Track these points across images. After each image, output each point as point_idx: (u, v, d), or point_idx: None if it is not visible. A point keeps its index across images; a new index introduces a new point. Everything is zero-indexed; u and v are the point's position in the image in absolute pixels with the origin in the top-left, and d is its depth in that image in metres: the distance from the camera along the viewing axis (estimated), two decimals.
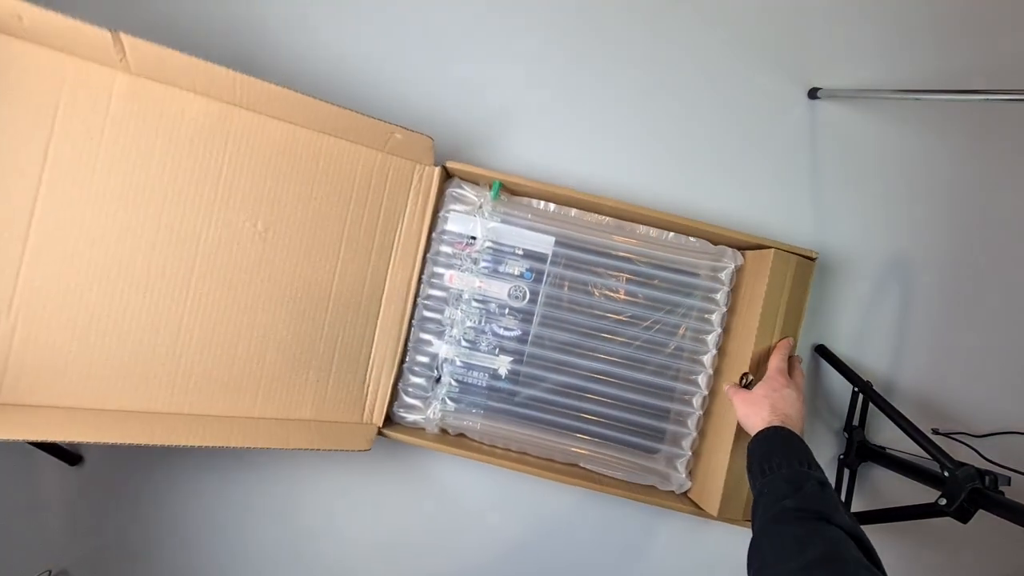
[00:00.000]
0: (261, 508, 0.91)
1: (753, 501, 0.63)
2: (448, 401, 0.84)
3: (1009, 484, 0.82)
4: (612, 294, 0.85)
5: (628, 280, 0.86)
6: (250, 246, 0.75)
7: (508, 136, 0.95)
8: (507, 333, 0.85)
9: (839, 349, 0.96)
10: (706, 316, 0.86)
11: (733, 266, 0.86)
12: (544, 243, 0.85)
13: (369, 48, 0.94)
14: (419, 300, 0.84)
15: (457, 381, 0.84)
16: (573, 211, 0.87)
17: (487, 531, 0.95)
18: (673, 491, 0.86)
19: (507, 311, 0.84)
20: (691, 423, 0.86)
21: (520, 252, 0.85)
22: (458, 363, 0.84)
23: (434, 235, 0.85)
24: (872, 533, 0.94)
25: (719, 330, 0.85)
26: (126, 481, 0.90)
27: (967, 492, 0.70)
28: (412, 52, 0.95)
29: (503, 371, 0.84)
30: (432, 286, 0.85)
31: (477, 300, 0.84)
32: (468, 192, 0.85)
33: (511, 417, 0.85)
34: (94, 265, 0.69)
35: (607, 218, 0.87)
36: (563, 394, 0.85)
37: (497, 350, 0.85)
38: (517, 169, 0.93)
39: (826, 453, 0.97)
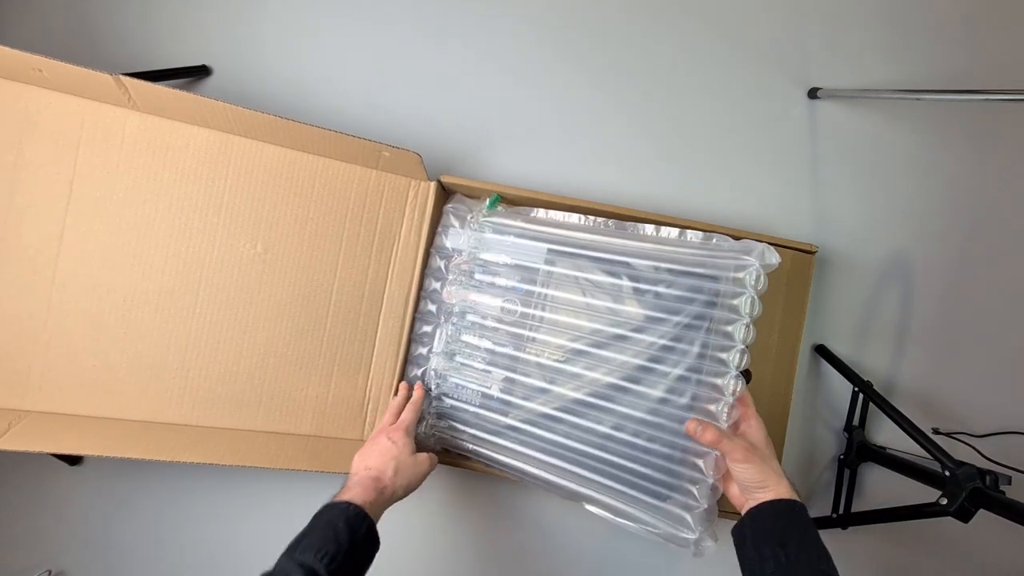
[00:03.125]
0: (260, 508, 0.93)
1: None
2: (439, 417, 0.80)
3: (1010, 483, 0.82)
4: (613, 305, 0.73)
5: (630, 287, 0.72)
6: (250, 267, 0.79)
7: (504, 146, 0.96)
8: (500, 349, 0.78)
9: (839, 349, 0.96)
10: (726, 329, 0.66)
11: (757, 265, 0.66)
12: (536, 252, 0.78)
13: (359, 67, 0.96)
14: (416, 315, 0.84)
15: (448, 397, 0.80)
16: (572, 216, 0.81)
17: (486, 544, 0.96)
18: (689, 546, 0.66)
19: (500, 324, 0.78)
20: (705, 466, 0.64)
21: (509, 263, 0.79)
22: (450, 379, 0.80)
23: (432, 249, 0.85)
24: (872, 533, 0.96)
25: (741, 347, 0.65)
26: (125, 481, 0.92)
27: (968, 492, 0.70)
28: (404, 63, 0.96)
29: (495, 388, 0.77)
30: (429, 299, 0.84)
31: (469, 314, 0.80)
32: (463, 207, 0.84)
33: (504, 437, 0.77)
34: (112, 290, 0.76)
35: (607, 220, 0.79)
36: (562, 411, 0.73)
37: (488, 366, 0.78)
38: (515, 179, 0.95)
39: (826, 453, 0.97)
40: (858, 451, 0.93)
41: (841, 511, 0.93)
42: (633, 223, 0.77)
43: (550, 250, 0.77)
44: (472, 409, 0.78)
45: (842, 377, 0.93)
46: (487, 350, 0.79)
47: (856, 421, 0.95)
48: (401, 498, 0.65)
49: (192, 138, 0.76)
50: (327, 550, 0.52)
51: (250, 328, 0.79)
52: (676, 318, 0.68)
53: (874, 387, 0.91)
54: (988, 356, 0.99)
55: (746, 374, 0.68)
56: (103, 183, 0.75)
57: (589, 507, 0.71)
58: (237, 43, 0.94)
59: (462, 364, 0.80)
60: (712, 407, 0.64)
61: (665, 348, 0.68)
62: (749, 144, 0.99)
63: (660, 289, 0.70)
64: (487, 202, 0.82)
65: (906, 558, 0.98)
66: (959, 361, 0.99)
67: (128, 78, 0.68)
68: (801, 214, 0.99)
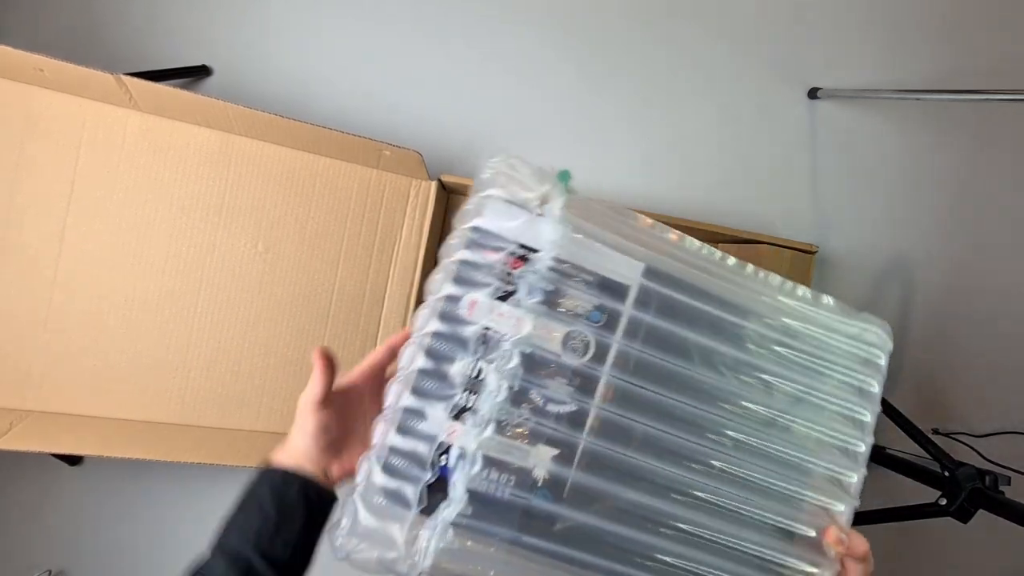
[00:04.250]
0: None
1: None
2: (451, 531, 0.43)
3: (1009, 484, 0.82)
4: (725, 368, 0.50)
5: (756, 351, 0.50)
6: (251, 267, 0.79)
7: (505, 145, 0.96)
8: (552, 408, 0.47)
9: None
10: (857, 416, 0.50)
11: (889, 348, 0.51)
12: (630, 269, 0.50)
13: (360, 67, 0.96)
14: (415, 333, 0.47)
15: (472, 495, 0.44)
16: (672, 233, 0.52)
17: None
18: None
19: (557, 371, 0.47)
20: None
21: (590, 278, 0.49)
22: (478, 460, 0.44)
23: (459, 231, 0.49)
24: (872, 533, 0.95)
25: (871, 440, 0.49)
26: (125, 481, 0.92)
27: (967, 492, 0.71)
28: (405, 63, 0.96)
29: (540, 474, 0.45)
30: (442, 317, 0.46)
31: (525, 354, 0.47)
32: (524, 174, 0.50)
33: (544, 564, 0.46)
34: (113, 290, 0.76)
35: (717, 252, 0.52)
36: (635, 526, 0.47)
37: (531, 437, 0.46)
38: None
39: None
40: None
41: None
42: (759, 270, 0.53)
43: (648, 270, 0.49)
44: (512, 511, 0.44)
45: None
46: (533, 410, 0.46)
47: None
48: (304, 453, 0.47)
49: (193, 138, 0.76)
50: (250, 526, 0.45)
51: (251, 328, 0.79)
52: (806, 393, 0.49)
53: None
54: (988, 356, 0.99)
55: None
56: (104, 183, 0.75)
57: None
58: (237, 43, 0.94)
59: (498, 434, 0.45)
60: (839, 515, 0.47)
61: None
62: (749, 144, 0.99)
63: (791, 354, 0.50)
64: (559, 177, 0.51)
65: (906, 558, 0.98)
66: (959, 361, 0.99)
67: (129, 78, 0.67)
68: (801, 214, 0.99)
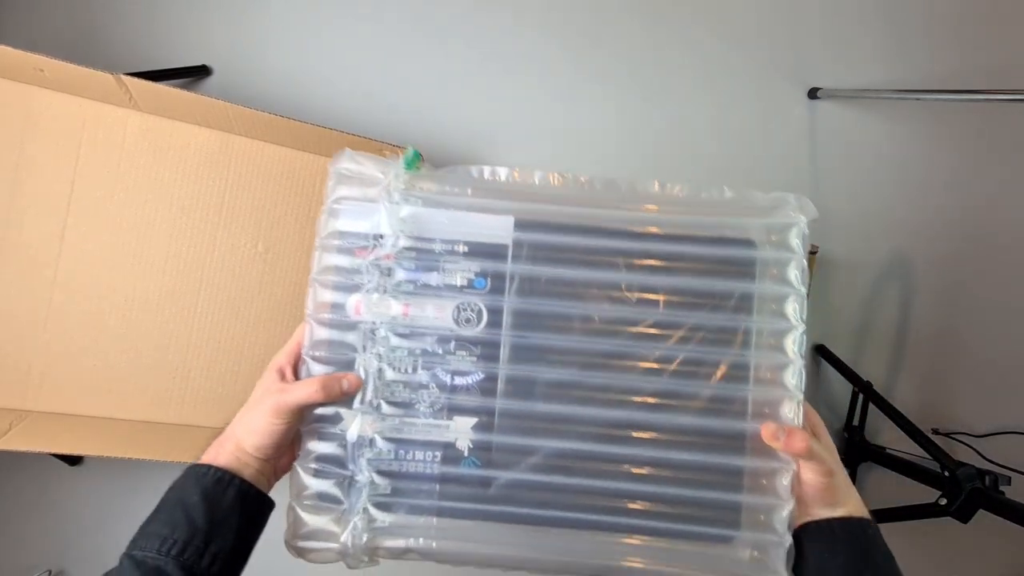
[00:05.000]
0: None
1: None
2: (375, 512, 0.47)
3: (1009, 484, 0.82)
4: (617, 294, 0.49)
5: (638, 267, 0.49)
6: (251, 267, 0.79)
7: (505, 145, 0.96)
8: (461, 381, 0.48)
9: (839, 349, 0.96)
10: (776, 307, 0.49)
11: (805, 221, 0.50)
12: (500, 228, 0.51)
13: (360, 66, 0.96)
14: (305, 353, 0.48)
15: (385, 475, 0.47)
16: (537, 176, 0.52)
17: None
18: None
19: (455, 345, 0.49)
20: (782, 486, 0.46)
21: (463, 248, 0.50)
22: (381, 444, 0.47)
23: (319, 242, 0.49)
24: None
25: (801, 327, 0.48)
26: (125, 481, 0.92)
27: (967, 492, 0.71)
28: (405, 63, 0.96)
29: (463, 444, 0.47)
30: (327, 324, 0.48)
31: (402, 335, 0.49)
32: (368, 167, 0.50)
33: (486, 523, 0.48)
34: (113, 290, 0.76)
35: (592, 181, 0.52)
36: (565, 471, 0.47)
37: (446, 412, 0.48)
38: None
39: None
40: (858, 451, 0.93)
41: None
42: (629, 181, 0.52)
43: (519, 223, 0.50)
44: (430, 484, 0.47)
45: (842, 377, 0.93)
46: (440, 386, 0.47)
47: (856, 421, 0.95)
48: (258, 457, 0.44)
49: (193, 138, 0.76)
50: (176, 537, 0.39)
51: (251, 328, 0.79)
52: (707, 302, 0.49)
53: (874, 387, 0.91)
54: (988, 356, 0.99)
55: None
56: (104, 183, 0.75)
57: None
58: (237, 43, 0.94)
59: (401, 416, 0.47)
60: (781, 409, 0.47)
61: (701, 344, 0.48)
62: (749, 144, 1.00)
63: (681, 265, 0.50)
64: (402, 159, 0.51)
65: (906, 558, 0.98)
66: (959, 361, 0.99)
67: (129, 78, 0.68)
68: None
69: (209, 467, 0.41)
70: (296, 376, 0.47)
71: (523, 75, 0.97)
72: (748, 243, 0.50)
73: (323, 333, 0.48)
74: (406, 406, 0.48)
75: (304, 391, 0.44)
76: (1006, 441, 0.97)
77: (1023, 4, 1.01)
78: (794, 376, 0.48)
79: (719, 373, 0.48)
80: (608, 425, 0.48)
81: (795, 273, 0.49)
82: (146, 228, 0.76)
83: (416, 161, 0.51)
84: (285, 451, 0.46)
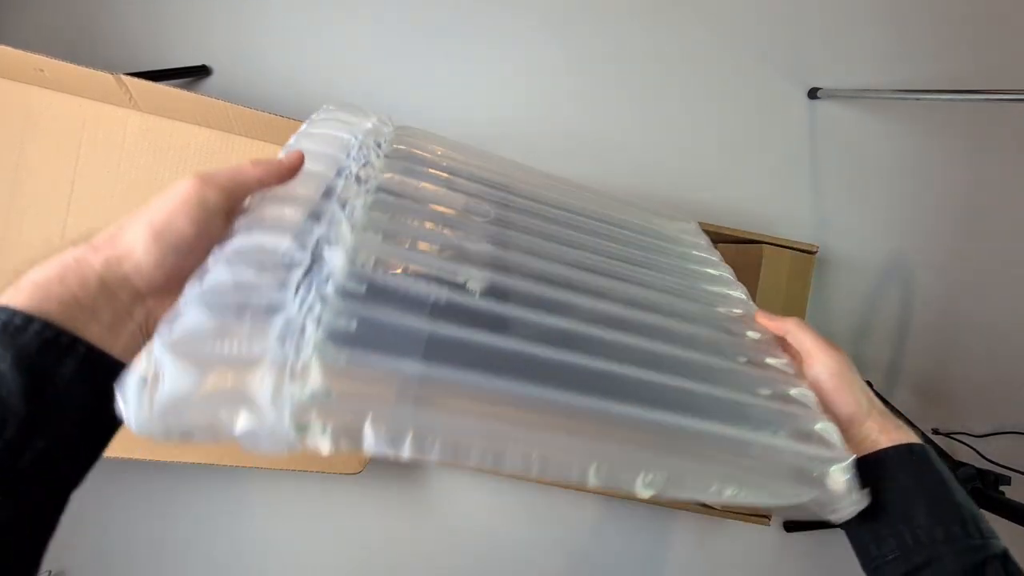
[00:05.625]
0: (260, 508, 0.92)
1: None
2: (330, 346, 0.26)
3: (1009, 484, 0.82)
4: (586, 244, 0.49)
5: (594, 235, 0.51)
6: None
7: (506, 145, 0.96)
8: (473, 246, 0.40)
9: None
10: (709, 270, 0.55)
11: (696, 225, 0.64)
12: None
13: (360, 66, 0.96)
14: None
15: (364, 282, 0.30)
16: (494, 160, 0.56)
17: (482, 545, 0.96)
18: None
19: (470, 218, 0.44)
20: (806, 395, 0.41)
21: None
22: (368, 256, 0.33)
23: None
24: None
25: (745, 296, 0.53)
26: (125, 481, 0.91)
27: (967, 492, 0.71)
28: (405, 62, 0.96)
29: (475, 286, 0.36)
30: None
31: (410, 199, 0.41)
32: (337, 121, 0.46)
33: (491, 379, 0.30)
34: None
35: (536, 172, 0.58)
36: (591, 324, 0.39)
37: (458, 259, 0.38)
38: None
39: None
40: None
41: None
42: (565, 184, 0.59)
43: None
44: (423, 312, 0.31)
45: None
46: (448, 244, 0.39)
47: None
48: (149, 278, 0.27)
49: (193, 138, 0.76)
50: None
51: None
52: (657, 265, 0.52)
53: (874, 387, 0.91)
54: (988, 356, 0.99)
55: None
56: (104, 183, 0.75)
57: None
58: (237, 43, 0.94)
59: (392, 246, 0.36)
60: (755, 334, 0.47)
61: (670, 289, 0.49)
62: (750, 144, 1.00)
63: (624, 239, 0.53)
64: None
65: None
66: (959, 361, 0.99)
67: (129, 78, 0.68)
68: (801, 214, 0.99)
69: (31, 317, 0.24)
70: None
71: (523, 76, 0.97)
72: (666, 237, 0.59)
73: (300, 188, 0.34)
74: (410, 236, 0.38)
75: (248, 172, 0.31)
76: (1006, 441, 0.97)
77: (1023, 4, 1.01)
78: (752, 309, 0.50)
79: (689, 298, 0.49)
80: (629, 302, 0.43)
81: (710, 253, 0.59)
82: None
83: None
84: (173, 286, 0.27)
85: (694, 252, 0.58)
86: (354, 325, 0.27)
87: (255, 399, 0.24)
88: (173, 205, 0.28)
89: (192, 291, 0.26)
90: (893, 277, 0.99)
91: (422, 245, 0.38)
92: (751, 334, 0.47)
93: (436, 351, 0.29)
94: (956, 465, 0.73)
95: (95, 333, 0.26)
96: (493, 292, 0.36)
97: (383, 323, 0.29)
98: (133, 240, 0.28)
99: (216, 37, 0.94)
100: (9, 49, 0.64)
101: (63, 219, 0.74)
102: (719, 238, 0.89)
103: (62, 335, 0.25)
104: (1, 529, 0.24)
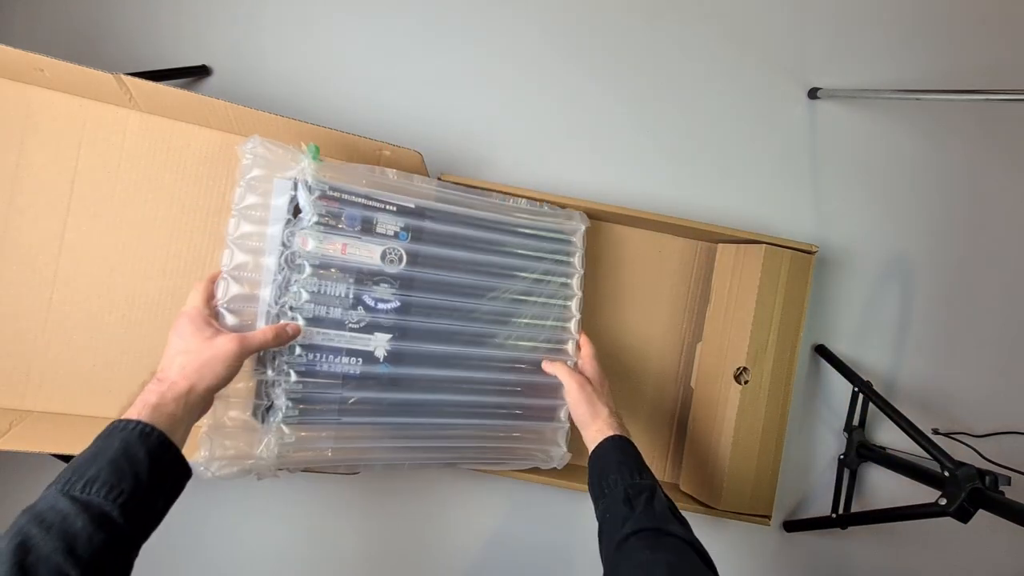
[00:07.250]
0: (260, 509, 0.92)
1: (598, 527, 0.60)
2: (286, 430, 0.62)
3: (1009, 484, 0.83)
4: (472, 261, 0.75)
5: (481, 249, 0.75)
6: None
7: (507, 145, 0.96)
8: (383, 305, 0.67)
9: (839, 349, 0.96)
10: (566, 281, 0.80)
11: (584, 228, 0.82)
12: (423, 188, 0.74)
13: (360, 66, 0.96)
14: (220, 306, 0.61)
15: (298, 393, 0.62)
16: (415, 179, 0.73)
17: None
18: (555, 467, 0.79)
19: (382, 279, 0.68)
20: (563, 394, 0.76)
21: (393, 208, 0.69)
22: (299, 351, 0.62)
23: (236, 211, 0.63)
24: (872, 533, 0.96)
25: (580, 294, 0.80)
26: None
27: (967, 492, 0.71)
28: (405, 62, 0.96)
29: (380, 353, 0.67)
30: (241, 282, 0.62)
31: (315, 265, 0.63)
32: (277, 154, 0.64)
33: (380, 422, 0.68)
34: (113, 290, 0.76)
35: (457, 186, 0.77)
36: (447, 367, 0.72)
37: (369, 329, 0.67)
38: (517, 178, 0.95)
39: (826, 453, 0.98)
40: (858, 451, 0.93)
41: (841, 511, 0.93)
42: (483, 191, 0.79)
43: (418, 207, 0.72)
44: (355, 372, 0.65)
45: (842, 377, 0.93)
46: (366, 307, 0.66)
47: (856, 421, 0.95)
48: (205, 399, 0.53)
49: (193, 138, 0.76)
50: (123, 487, 0.42)
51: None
52: (529, 275, 0.78)
53: (874, 387, 0.91)
54: (988, 356, 0.99)
55: (744, 374, 0.80)
56: (104, 183, 0.75)
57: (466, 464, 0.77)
58: (237, 43, 0.94)
59: (330, 331, 0.64)
60: (565, 345, 0.79)
61: (518, 301, 0.77)
62: (749, 144, 1.00)
63: (519, 250, 0.78)
64: (309, 152, 0.65)
65: (906, 558, 0.98)
66: (959, 361, 0.99)
67: (130, 78, 0.68)
68: (801, 214, 0.99)
69: (154, 429, 0.46)
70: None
71: (523, 76, 0.97)
72: (564, 240, 0.81)
73: (236, 289, 0.61)
74: (338, 324, 0.64)
75: (263, 337, 0.56)
76: (1006, 441, 0.97)
77: (1023, 4, 1.01)
78: (574, 325, 0.79)
79: (526, 319, 0.77)
80: (472, 340, 0.74)
81: (579, 261, 0.81)
82: (146, 228, 0.76)
83: (318, 154, 0.65)
84: (208, 405, 0.55)
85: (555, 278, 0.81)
86: (294, 437, 0.62)
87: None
88: (219, 361, 0.53)
89: (220, 408, 0.61)
90: (893, 277, 1.00)
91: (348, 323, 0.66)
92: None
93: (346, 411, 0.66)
94: (956, 465, 0.73)
95: (177, 438, 0.49)
96: (392, 355, 0.68)
97: (309, 420, 0.63)
98: (199, 381, 0.52)
99: (216, 37, 0.94)
100: (9, 49, 0.64)
101: (63, 219, 0.74)
102: (719, 238, 0.89)
103: (166, 439, 0.47)
104: (132, 547, 0.44)
